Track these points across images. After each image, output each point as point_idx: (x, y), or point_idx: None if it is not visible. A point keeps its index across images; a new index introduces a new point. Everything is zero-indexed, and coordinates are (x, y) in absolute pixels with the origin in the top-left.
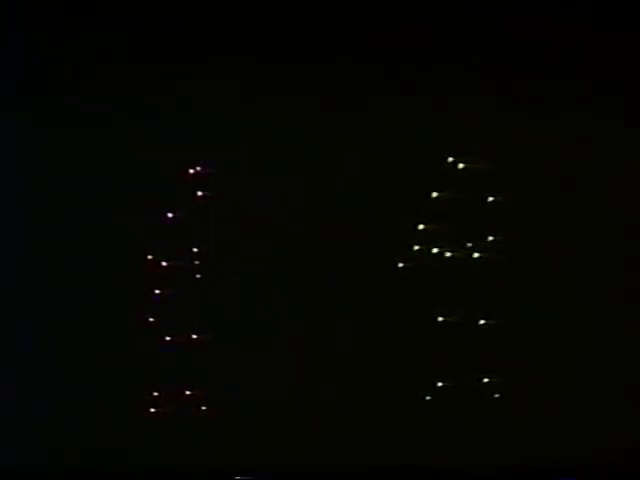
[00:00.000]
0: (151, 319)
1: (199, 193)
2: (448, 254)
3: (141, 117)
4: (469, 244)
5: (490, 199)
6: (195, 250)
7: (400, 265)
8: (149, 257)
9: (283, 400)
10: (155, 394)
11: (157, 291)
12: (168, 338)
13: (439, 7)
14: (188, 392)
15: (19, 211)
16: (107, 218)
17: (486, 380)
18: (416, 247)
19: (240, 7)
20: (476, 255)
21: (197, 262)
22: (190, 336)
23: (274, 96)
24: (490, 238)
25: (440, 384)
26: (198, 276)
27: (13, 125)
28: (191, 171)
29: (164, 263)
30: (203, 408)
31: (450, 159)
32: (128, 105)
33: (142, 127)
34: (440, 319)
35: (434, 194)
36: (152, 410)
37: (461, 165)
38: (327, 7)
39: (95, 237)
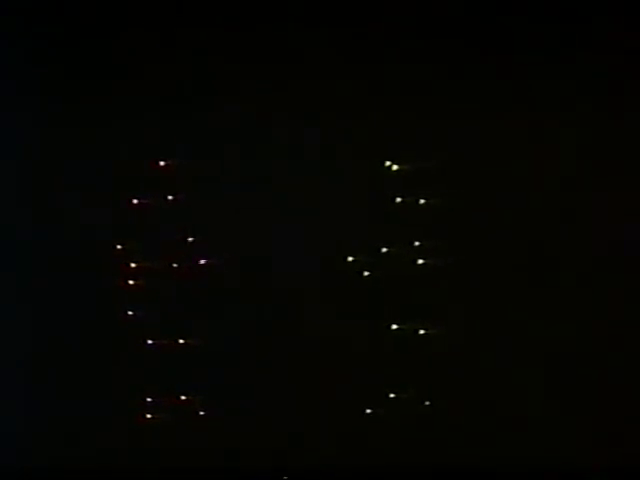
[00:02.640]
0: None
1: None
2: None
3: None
4: (413, 249)
5: (425, 201)
6: (183, 248)
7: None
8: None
9: (279, 403)
10: (150, 399)
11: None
12: (161, 342)
13: (364, 7)
14: (183, 397)
15: None
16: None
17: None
18: (350, 258)
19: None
20: (421, 261)
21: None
22: (180, 340)
23: (257, 91)
24: (435, 242)
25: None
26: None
27: None
28: (162, 163)
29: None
30: (201, 413)
31: (388, 163)
32: (109, 98)
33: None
34: (393, 327)
35: (379, 198)
36: (148, 416)
37: (396, 167)
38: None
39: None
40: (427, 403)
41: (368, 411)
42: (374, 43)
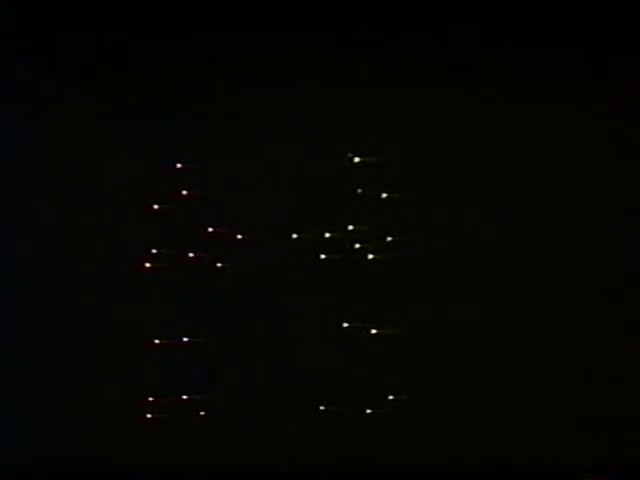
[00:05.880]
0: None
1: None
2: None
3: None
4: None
5: (386, 195)
6: (186, 249)
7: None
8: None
9: (281, 405)
10: (151, 399)
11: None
12: (162, 341)
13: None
14: (185, 397)
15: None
16: (94, 216)
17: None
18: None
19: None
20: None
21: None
22: (185, 339)
23: (264, 92)
24: (389, 238)
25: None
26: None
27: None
28: (178, 166)
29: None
30: (202, 413)
31: (356, 159)
32: (116, 101)
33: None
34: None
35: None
36: (149, 415)
37: (358, 160)
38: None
39: (81, 236)
40: (426, 404)
41: (368, 411)
42: (366, 43)
